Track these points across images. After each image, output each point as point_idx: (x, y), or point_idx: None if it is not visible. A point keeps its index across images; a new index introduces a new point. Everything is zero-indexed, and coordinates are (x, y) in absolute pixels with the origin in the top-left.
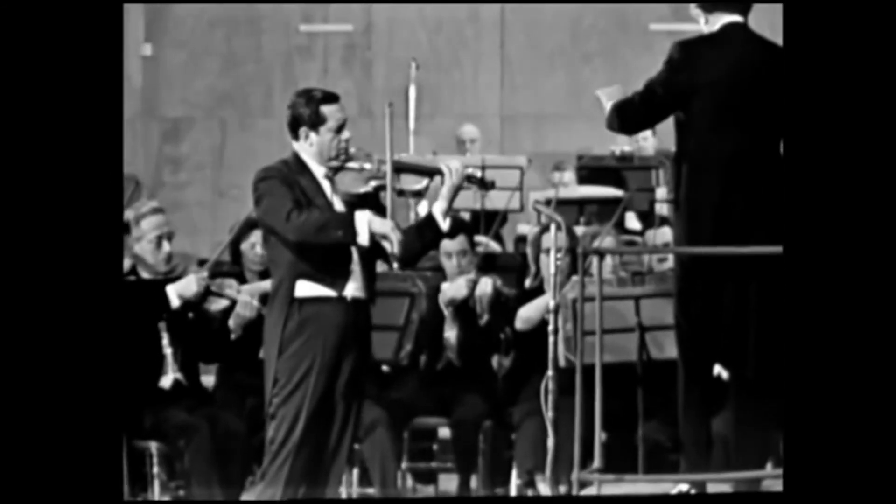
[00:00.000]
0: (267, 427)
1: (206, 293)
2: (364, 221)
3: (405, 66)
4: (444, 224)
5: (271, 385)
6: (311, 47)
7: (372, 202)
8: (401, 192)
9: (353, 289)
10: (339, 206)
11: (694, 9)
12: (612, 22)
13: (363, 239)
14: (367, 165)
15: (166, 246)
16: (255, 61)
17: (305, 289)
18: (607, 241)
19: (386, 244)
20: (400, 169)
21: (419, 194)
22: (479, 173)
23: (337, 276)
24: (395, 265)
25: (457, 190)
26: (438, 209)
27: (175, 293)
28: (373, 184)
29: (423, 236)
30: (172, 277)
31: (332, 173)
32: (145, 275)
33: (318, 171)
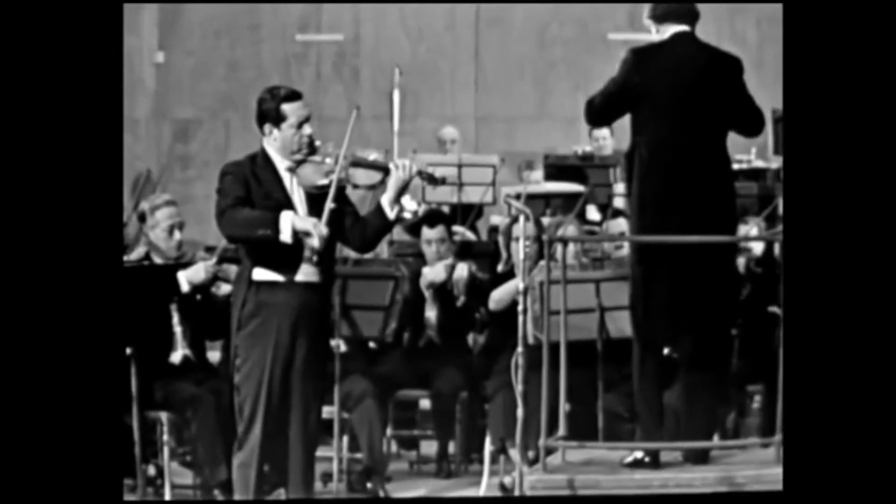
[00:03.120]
0: (235, 398)
1: (213, 278)
2: (287, 220)
3: (390, 72)
4: (391, 213)
5: (231, 358)
6: (306, 54)
7: (333, 194)
8: (356, 186)
9: (305, 273)
10: (299, 198)
11: (646, 19)
12: (574, 32)
13: (286, 236)
14: (328, 160)
15: (177, 234)
16: (255, 67)
17: (261, 273)
18: (570, 229)
19: (308, 240)
20: (356, 164)
21: (373, 188)
22: (430, 170)
23: (288, 263)
24: (315, 258)
25: (403, 185)
26: (386, 200)
27: (185, 279)
28: (331, 177)
29: (374, 224)
30: (183, 263)
31: (295, 166)
32: (158, 260)
33: (282, 165)
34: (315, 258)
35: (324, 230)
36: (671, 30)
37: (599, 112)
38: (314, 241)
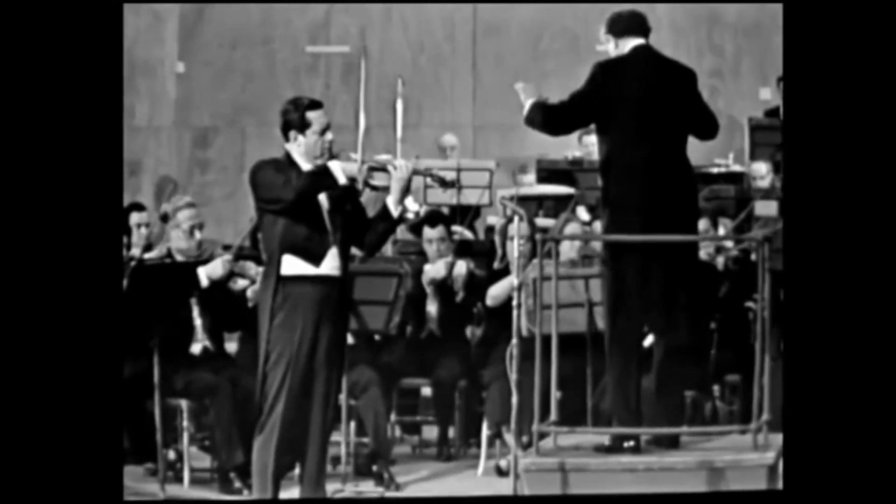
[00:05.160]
0: (262, 384)
1: (231, 274)
2: (338, 169)
3: (394, 82)
4: (395, 212)
5: (264, 348)
6: (316, 66)
7: (350, 195)
8: (374, 188)
9: (328, 267)
10: (322, 197)
11: (604, 35)
12: (565, 43)
13: (342, 179)
14: (351, 157)
15: (197, 234)
16: (269, 78)
17: (289, 265)
18: (572, 226)
19: (357, 185)
20: (372, 168)
21: (388, 189)
22: (441, 173)
23: (316, 252)
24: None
25: (405, 184)
26: (391, 201)
27: (205, 274)
28: (352, 176)
29: (381, 223)
30: (202, 260)
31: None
32: (180, 258)
33: (305, 168)
34: (365, 184)
35: (365, 171)
36: (630, 43)
37: (563, 122)
38: (360, 185)
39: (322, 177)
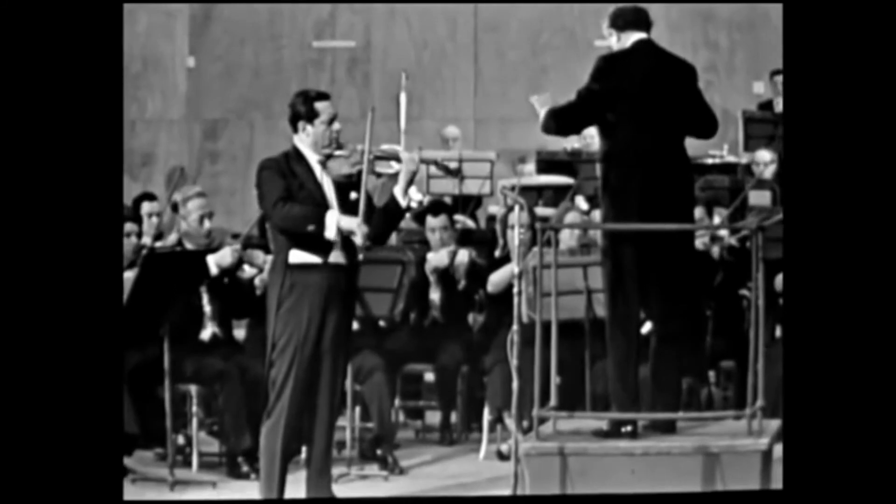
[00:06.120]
0: (270, 371)
1: (239, 262)
2: (333, 219)
3: (397, 76)
4: (403, 201)
5: (271, 335)
6: (322, 60)
7: (356, 182)
8: (379, 175)
9: (335, 256)
10: (328, 187)
11: (606, 28)
12: (563, 39)
13: (330, 234)
14: (357, 149)
15: (207, 223)
16: (276, 72)
17: (297, 256)
18: (571, 215)
19: (354, 238)
20: (378, 157)
21: (394, 177)
22: (447, 163)
23: (322, 247)
24: (361, 255)
25: (412, 174)
26: (398, 190)
27: (214, 262)
28: (357, 168)
29: (389, 213)
30: (212, 248)
31: (325, 159)
32: (190, 246)
33: (313, 158)
34: (364, 250)
35: (365, 228)
36: (632, 38)
37: (573, 121)
38: (358, 239)
39: (310, 219)
